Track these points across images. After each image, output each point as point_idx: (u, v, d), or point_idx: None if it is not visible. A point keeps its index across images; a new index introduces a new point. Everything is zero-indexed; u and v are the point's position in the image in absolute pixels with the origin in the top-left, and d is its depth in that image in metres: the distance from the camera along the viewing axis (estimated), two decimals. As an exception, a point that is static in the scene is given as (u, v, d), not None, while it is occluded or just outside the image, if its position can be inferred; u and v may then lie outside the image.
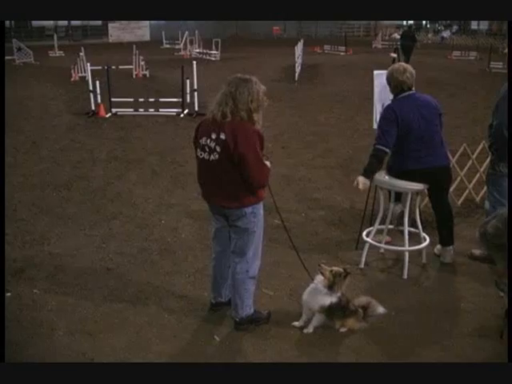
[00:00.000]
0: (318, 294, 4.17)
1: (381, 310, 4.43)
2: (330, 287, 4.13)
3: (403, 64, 5.24)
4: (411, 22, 35.39)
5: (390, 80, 5.10)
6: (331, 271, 4.15)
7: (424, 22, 50.45)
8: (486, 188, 5.98)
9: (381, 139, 5.00)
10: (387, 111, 5.07)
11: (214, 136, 3.83)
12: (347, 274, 4.19)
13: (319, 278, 4.19)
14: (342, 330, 4.26)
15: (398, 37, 37.39)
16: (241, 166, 3.79)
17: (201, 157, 3.96)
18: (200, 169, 4.07)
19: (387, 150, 5.02)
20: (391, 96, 5.35)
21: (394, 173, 5.12)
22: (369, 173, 5.03)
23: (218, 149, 3.82)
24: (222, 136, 3.78)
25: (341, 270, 4.19)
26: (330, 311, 4.18)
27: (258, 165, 3.81)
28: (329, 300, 4.14)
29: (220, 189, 3.94)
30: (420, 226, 5.27)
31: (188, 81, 12.58)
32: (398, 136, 4.99)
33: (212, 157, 3.87)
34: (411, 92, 5.07)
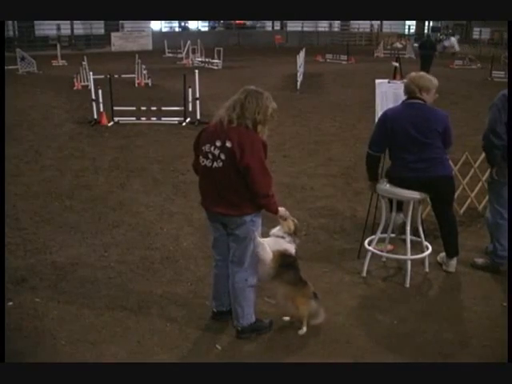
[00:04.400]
0: (281, 240, 4.15)
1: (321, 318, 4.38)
2: (291, 235, 4.16)
3: (421, 73, 5.19)
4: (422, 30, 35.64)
5: (405, 84, 5.13)
6: (293, 221, 4.19)
7: (426, 31, 50.55)
8: (487, 197, 5.99)
9: (369, 141, 5.21)
10: (381, 114, 5.20)
11: (218, 143, 3.83)
12: (304, 235, 4.19)
13: (276, 229, 4.20)
14: (290, 316, 4.30)
15: (401, 46, 37.62)
16: (246, 175, 3.80)
17: (203, 164, 3.96)
18: (201, 176, 4.07)
19: (370, 152, 5.16)
20: (393, 105, 5.37)
21: (391, 180, 5.13)
22: (369, 176, 5.29)
23: (222, 156, 3.83)
24: (228, 144, 3.78)
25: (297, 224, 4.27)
26: (281, 266, 4.11)
27: (263, 175, 3.83)
28: (291, 249, 4.13)
29: (221, 196, 3.95)
30: (422, 235, 5.27)
31: (190, 89, 12.61)
32: (389, 141, 5.06)
33: (215, 164, 3.87)
34: (415, 101, 4.98)
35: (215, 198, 3.99)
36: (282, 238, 4.15)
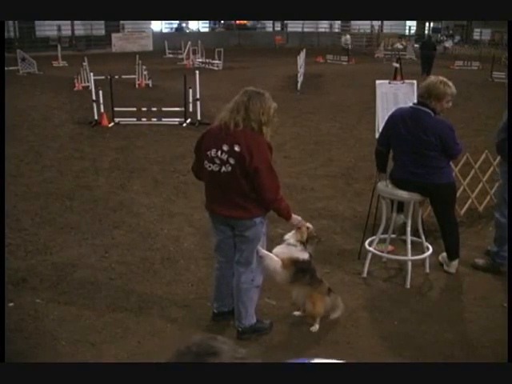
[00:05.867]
0: (293, 248, 4.19)
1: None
2: (303, 243, 4.18)
3: (440, 78, 4.98)
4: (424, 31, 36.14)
5: (420, 86, 5.05)
6: (307, 228, 4.21)
7: (426, 31, 50.57)
8: (489, 197, 5.98)
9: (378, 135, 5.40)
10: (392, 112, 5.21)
11: (226, 148, 3.80)
12: (319, 240, 4.34)
13: (290, 235, 4.23)
14: (303, 308, 4.33)
15: (401, 47, 37.63)
16: (254, 178, 3.79)
17: (209, 169, 3.91)
18: (208, 181, 4.04)
19: (377, 146, 5.28)
20: (393, 106, 5.38)
21: (393, 181, 5.13)
22: (377, 168, 5.37)
23: (231, 161, 3.79)
24: (237, 148, 3.76)
25: (313, 232, 4.29)
26: (296, 272, 4.17)
27: (271, 178, 3.85)
28: (302, 256, 4.17)
29: (230, 200, 3.92)
30: (423, 235, 5.26)
31: (190, 90, 12.61)
32: (389, 139, 5.09)
33: (224, 169, 3.83)
34: (420, 107, 4.89)
35: (224, 202, 3.96)
36: (294, 246, 4.18)
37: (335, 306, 4.44)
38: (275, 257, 4.13)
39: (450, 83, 4.92)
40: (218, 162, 3.85)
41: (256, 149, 3.76)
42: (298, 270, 4.18)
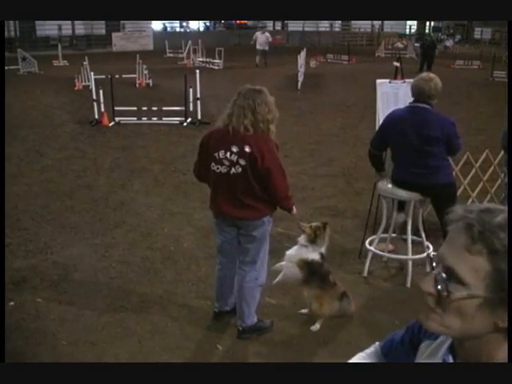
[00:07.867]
0: (303, 249, 4.27)
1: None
2: (313, 241, 4.23)
3: (431, 74, 5.01)
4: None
5: (417, 85, 4.95)
6: (310, 226, 4.26)
7: (427, 31, 50.54)
8: (490, 196, 5.97)
9: (372, 138, 5.28)
10: (387, 114, 5.17)
11: (235, 149, 3.78)
12: (325, 225, 4.31)
13: (301, 236, 4.31)
14: (311, 308, 4.36)
15: (402, 46, 37.61)
16: (265, 178, 3.80)
17: (217, 171, 3.89)
18: (215, 182, 4.01)
19: (370, 149, 5.21)
20: (394, 105, 5.37)
21: (394, 181, 5.13)
22: (375, 169, 5.32)
23: (241, 162, 3.78)
24: (247, 149, 3.74)
25: (319, 224, 4.31)
26: (308, 275, 4.23)
27: (281, 177, 3.88)
28: (312, 256, 4.22)
29: (239, 201, 3.91)
30: (423, 235, 5.26)
31: (191, 89, 12.60)
32: (387, 142, 5.07)
33: (233, 170, 3.81)
34: (421, 105, 4.86)
35: (233, 203, 3.94)
36: (305, 247, 4.25)
37: (344, 310, 4.47)
38: (287, 264, 4.30)
39: (432, 76, 4.90)
40: (226, 163, 3.83)
41: (266, 149, 3.77)
42: (309, 271, 4.25)
